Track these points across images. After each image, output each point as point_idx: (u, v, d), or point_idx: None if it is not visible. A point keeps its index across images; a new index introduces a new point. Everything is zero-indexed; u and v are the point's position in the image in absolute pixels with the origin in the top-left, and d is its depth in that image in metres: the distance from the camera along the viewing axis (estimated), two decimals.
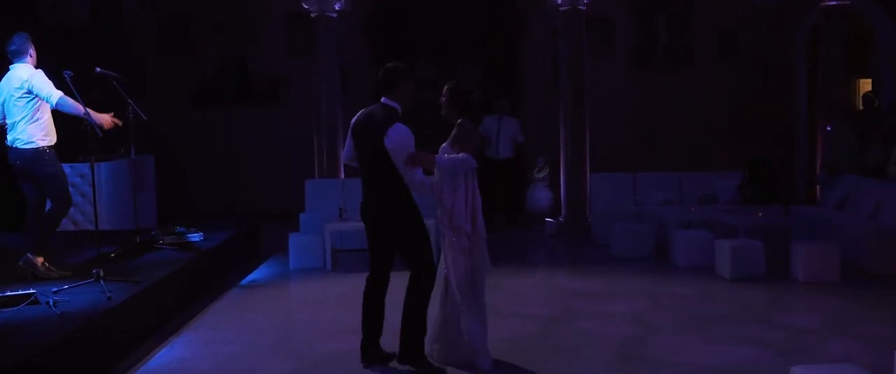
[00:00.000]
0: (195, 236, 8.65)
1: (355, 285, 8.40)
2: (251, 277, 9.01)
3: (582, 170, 11.52)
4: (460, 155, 5.43)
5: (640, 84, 13.78)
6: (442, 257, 5.62)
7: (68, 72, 6.62)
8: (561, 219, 11.59)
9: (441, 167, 5.41)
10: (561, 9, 11.41)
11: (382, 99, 5.50)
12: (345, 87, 13.32)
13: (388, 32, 13.87)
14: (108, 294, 6.21)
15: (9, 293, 6.01)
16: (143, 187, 10.59)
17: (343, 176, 11.36)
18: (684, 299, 7.68)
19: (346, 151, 5.69)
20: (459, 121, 5.60)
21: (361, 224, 9.40)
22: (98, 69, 7.63)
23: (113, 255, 7.84)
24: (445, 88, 5.65)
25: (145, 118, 7.97)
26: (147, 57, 13.77)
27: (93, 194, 7.28)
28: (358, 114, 5.62)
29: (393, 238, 5.58)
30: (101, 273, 6.47)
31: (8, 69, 6.79)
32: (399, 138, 5.28)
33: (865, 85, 14.67)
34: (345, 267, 9.44)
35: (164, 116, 13.59)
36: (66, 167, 9.81)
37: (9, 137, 6.76)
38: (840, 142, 11.09)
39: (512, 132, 12.11)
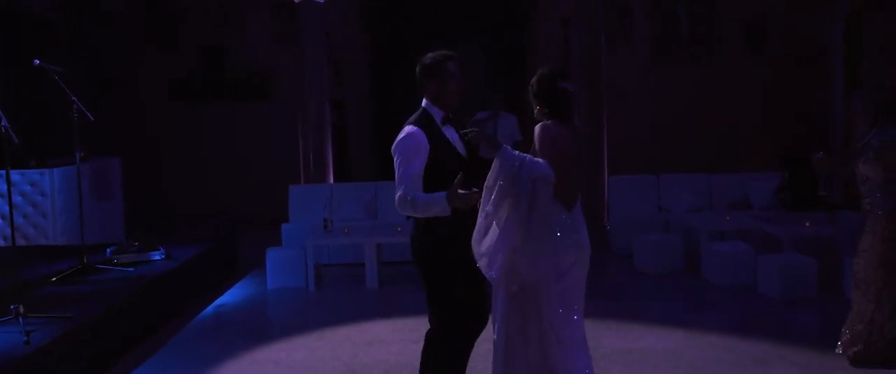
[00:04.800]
0: (155, 254, 7.47)
1: (340, 311, 7.35)
2: (221, 300, 7.84)
3: (599, 172, 10.35)
4: (536, 159, 3.95)
5: (661, 77, 12.83)
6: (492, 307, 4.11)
7: None
8: None
9: (500, 165, 3.90)
10: None
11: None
12: (338, 80, 12.22)
13: (385, 20, 12.72)
14: (26, 336, 5.05)
15: None
16: (106, 195, 9.49)
17: (332, 181, 10.18)
18: (728, 329, 6.47)
19: None
20: (541, 123, 4.10)
21: (348, 238, 8.38)
22: (37, 61, 6.59)
23: (54, 280, 6.70)
24: (534, 79, 4.22)
25: (92, 118, 6.86)
26: (122, 48, 12.63)
27: (9, 205, 6.11)
28: None
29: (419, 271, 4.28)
30: (21, 309, 5.30)
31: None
32: (397, 143, 4.08)
33: None
34: (330, 285, 8.30)
35: (143, 114, 12.58)
36: (15, 174, 8.75)
37: None
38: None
39: (509, 130, 10.74)
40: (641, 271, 8.68)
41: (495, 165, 3.96)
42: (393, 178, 4.13)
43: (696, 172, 10.61)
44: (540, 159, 3.96)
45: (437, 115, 4.20)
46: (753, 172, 10.62)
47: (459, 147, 4.22)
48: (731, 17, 12.94)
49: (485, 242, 4.00)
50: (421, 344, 4.41)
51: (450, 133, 4.21)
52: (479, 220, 4.00)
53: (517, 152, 3.96)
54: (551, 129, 4.08)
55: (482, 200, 3.95)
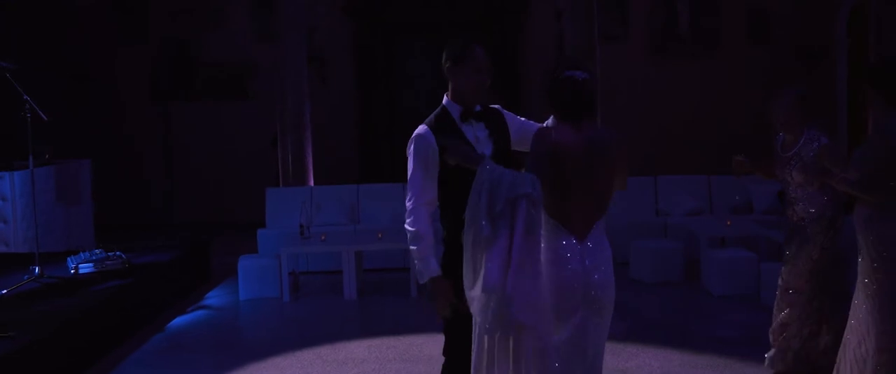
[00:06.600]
0: (117, 264, 6.97)
1: (314, 325, 6.86)
2: (188, 313, 7.32)
3: None
4: (523, 174, 3.23)
5: (659, 72, 12.43)
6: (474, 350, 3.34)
7: None
8: None
9: (475, 181, 3.21)
10: None
11: None
12: (323, 78, 11.77)
13: (372, 14, 12.22)
14: None
15: None
16: (74, 199, 9.00)
17: (312, 183, 9.69)
18: (729, 346, 6.02)
19: None
20: (542, 125, 3.51)
21: (325, 246, 7.89)
22: None
23: (4, 292, 6.23)
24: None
25: (46, 118, 6.41)
26: (95, 44, 12.16)
27: None
28: None
29: None
30: None
31: None
32: (408, 144, 3.62)
33: None
34: (306, 295, 7.82)
35: (118, 113, 12.13)
36: None
37: None
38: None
39: None
40: (638, 280, 8.23)
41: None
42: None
43: (694, 173, 10.20)
44: (528, 175, 3.22)
45: (456, 111, 3.65)
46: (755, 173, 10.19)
47: (487, 147, 3.60)
48: (733, 9, 12.57)
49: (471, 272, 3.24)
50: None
51: (477, 131, 3.63)
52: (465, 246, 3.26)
53: (499, 167, 3.23)
54: (551, 131, 3.37)
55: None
